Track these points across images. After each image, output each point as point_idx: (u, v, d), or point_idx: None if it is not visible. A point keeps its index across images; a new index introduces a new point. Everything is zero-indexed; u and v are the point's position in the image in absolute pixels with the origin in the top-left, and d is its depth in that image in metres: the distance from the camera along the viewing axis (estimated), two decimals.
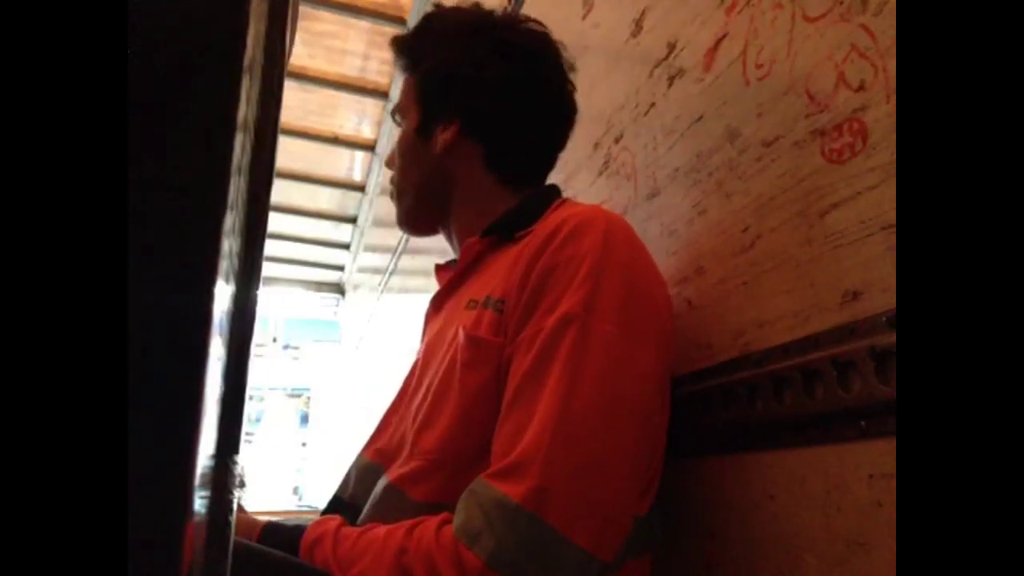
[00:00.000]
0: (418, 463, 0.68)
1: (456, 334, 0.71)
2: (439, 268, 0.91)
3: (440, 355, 0.74)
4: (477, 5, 0.87)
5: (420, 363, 0.81)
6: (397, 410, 0.82)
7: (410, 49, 0.87)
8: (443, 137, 0.82)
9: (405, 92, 0.88)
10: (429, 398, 0.71)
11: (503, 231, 0.79)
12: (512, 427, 0.61)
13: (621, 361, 0.62)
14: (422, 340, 0.90)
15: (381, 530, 0.63)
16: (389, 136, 3.06)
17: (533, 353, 0.62)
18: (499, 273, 0.72)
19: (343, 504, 0.80)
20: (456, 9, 0.87)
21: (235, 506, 0.26)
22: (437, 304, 0.88)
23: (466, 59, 0.82)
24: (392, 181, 0.91)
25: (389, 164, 0.91)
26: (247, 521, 0.73)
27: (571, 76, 0.86)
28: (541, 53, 0.84)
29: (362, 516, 0.72)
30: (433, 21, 0.87)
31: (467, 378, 0.67)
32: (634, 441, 0.62)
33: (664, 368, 0.69)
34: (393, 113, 0.90)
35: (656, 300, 0.69)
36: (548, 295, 0.64)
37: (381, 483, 0.72)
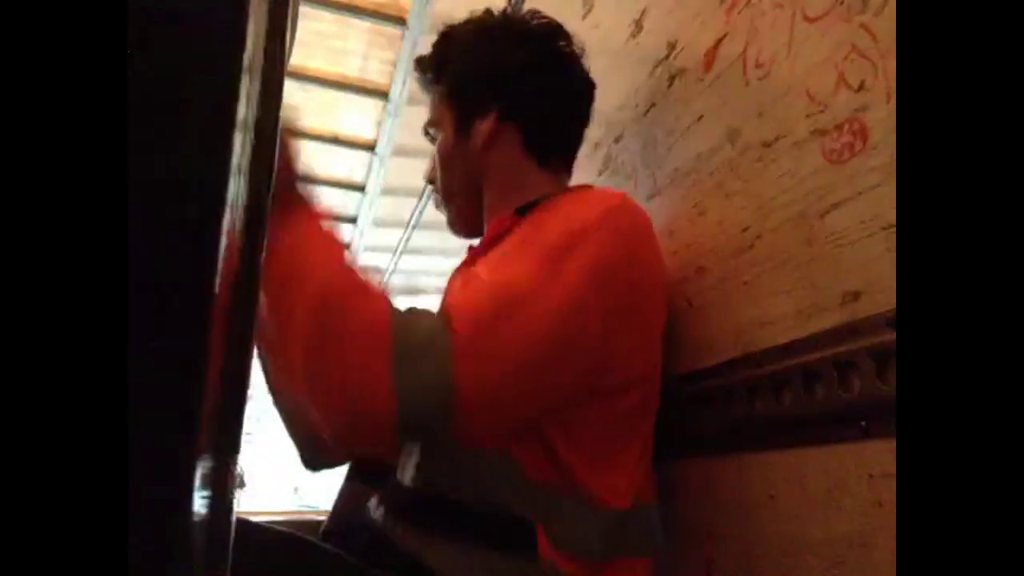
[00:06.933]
0: None
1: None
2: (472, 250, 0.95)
3: None
4: (488, 11, 0.91)
5: None
6: None
7: (434, 63, 0.90)
8: (483, 128, 0.85)
9: (435, 105, 0.91)
10: None
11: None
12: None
13: (583, 299, 0.65)
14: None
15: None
16: (389, 136, 3.05)
17: (515, 242, 0.71)
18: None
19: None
20: (469, 20, 0.91)
21: (235, 506, 0.26)
22: (454, 278, 0.90)
23: (491, 53, 0.86)
24: (437, 191, 0.93)
25: (430, 179, 0.93)
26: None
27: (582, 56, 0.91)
28: (555, 35, 0.88)
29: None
30: (451, 32, 0.91)
31: None
32: (563, 369, 0.65)
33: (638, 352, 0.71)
34: (426, 130, 0.93)
35: (645, 287, 0.72)
36: (545, 230, 0.70)
37: None
